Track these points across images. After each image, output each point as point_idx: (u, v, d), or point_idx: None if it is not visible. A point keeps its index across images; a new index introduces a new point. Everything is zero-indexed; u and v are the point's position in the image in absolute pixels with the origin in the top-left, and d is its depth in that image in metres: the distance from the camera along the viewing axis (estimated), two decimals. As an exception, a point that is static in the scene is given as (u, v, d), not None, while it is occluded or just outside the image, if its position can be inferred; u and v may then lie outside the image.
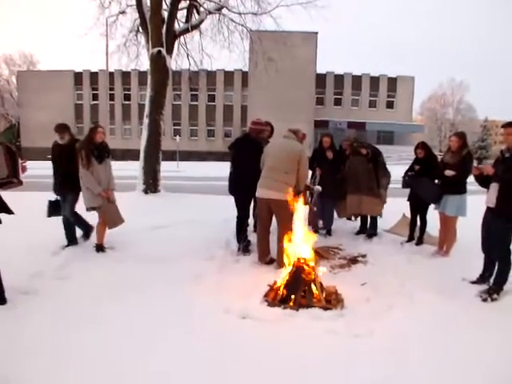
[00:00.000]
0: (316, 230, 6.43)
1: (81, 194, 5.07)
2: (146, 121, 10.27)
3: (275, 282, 3.76)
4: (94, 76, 37.65)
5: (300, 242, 3.76)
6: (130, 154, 27.19)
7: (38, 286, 3.92)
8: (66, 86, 38.00)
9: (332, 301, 3.52)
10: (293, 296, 3.52)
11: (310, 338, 3.01)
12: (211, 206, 8.69)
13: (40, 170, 10.15)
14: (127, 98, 38.20)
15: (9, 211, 3.73)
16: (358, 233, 6.49)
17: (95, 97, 37.96)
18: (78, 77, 38.35)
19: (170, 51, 10.58)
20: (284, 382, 2.50)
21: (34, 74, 39.79)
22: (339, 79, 36.94)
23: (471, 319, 3.36)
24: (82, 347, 2.81)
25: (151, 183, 10.16)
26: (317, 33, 32.87)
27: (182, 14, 12.37)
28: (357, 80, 36.87)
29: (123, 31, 13.29)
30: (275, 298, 3.57)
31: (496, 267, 3.99)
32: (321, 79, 35.97)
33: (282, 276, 3.73)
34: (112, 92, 36.80)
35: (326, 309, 3.40)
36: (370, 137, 34.64)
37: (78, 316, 3.29)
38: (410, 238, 5.99)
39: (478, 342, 2.96)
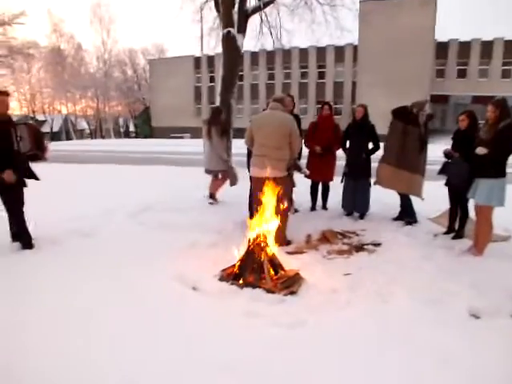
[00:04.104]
0: (350, 213, 6.09)
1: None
2: (218, 99, 10.73)
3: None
4: (211, 59, 40.02)
5: (265, 220, 3.64)
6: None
7: None
8: (187, 70, 41.25)
9: (278, 285, 3.34)
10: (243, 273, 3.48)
11: (227, 319, 2.93)
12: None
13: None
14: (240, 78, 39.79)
15: (36, 178, 4.52)
16: (396, 219, 5.90)
17: (212, 79, 40.42)
18: (197, 61, 41.21)
19: (242, 31, 10.73)
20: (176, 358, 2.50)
21: (162, 61, 44.12)
22: (465, 47, 32.23)
23: (435, 346, 2.61)
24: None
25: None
26: (436, -4, 29.09)
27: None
28: (487, 46, 31.66)
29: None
30: (230, 274, 3.55)
31: None
32: (442, 48, 31.88)
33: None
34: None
35: (268, 291, 3.27)
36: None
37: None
38: (449, 230, 5.21)
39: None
